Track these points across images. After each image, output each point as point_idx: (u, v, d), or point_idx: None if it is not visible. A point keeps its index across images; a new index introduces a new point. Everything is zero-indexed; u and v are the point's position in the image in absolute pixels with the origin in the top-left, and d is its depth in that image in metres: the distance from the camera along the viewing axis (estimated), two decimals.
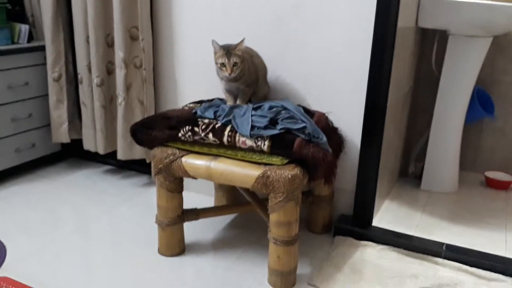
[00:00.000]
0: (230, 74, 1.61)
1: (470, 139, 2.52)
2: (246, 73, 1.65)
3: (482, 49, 2.11)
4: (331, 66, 1.81)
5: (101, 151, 2.29)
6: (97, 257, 1.69)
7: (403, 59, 1.97)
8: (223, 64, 1.61)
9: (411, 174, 2.49)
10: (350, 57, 1.77)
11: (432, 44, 2.33)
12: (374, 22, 1.66)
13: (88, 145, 2.35)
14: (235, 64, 1.60)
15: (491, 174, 2.43)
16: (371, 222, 1.87)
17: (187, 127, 1.56)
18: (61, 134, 2.36)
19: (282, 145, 1.46)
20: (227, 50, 1.60)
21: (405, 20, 1.85)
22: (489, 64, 2.38)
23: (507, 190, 2.37)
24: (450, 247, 1.72)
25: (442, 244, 1.74)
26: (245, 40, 1.63)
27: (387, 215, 2.01)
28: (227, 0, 1.92)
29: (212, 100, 1.81)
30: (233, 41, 1.92)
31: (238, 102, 1.70)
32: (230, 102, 1.71)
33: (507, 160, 2.49)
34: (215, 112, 1.61)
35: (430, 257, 1.70)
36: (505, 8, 1.96)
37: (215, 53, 1.64)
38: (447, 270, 1.65)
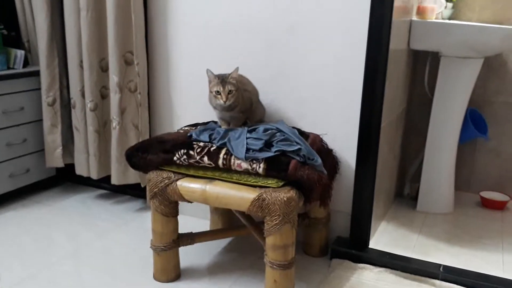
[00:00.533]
0: (225, 102, 1.61)
1: (465, 160, 2.53)
2: (241, 102, 1.66)
3: (474, 70, 2.14)
4: (325, 88, 1.83)
5: (94, 176, 2.28)
6: (91, 283, 1.67)
7: (396, 80, 1.99)
8: (218, 92, 1.61)
9: (406, 195, 2.48)
10: (344, 79, 1.79)
11: (425, 65, 2.36)
12: (366, 44, 1.68)
13: (80, 170, 2.33)
14: (230, 92, 1.61)
15: (487, 194, 2.43)
16: (368, 244, 1.86)
17: (182, 151, 1.56)
18: (55, 158, 2.35)
19: (277, 167, 1.46)
20: (222, 79, 1.62)
21: (397, 42, 1.87)
22: (481, 85, 2.40)
23: (503, 210, 2.37)
24: (447, 269, 1.71)
25: (439, 265, 1.73)
26: (238, 68, 1.65)
27: (384, 237, 2.01)
28: (222, 24, 1.94)
29: (207, 123, 1.81)
30: (228, 64, 1.94)
31: (231, 126, 1.70)
32: (224, 126, 1.71)
33: (502, 180, 2.50)
34: (210, 135, 1.62)
35: (427, 279, 1.69)
36: (496, 30, 2.00)
37: (210, 81, 1.65)
38: None
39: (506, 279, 1.67)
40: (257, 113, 1.80)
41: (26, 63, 2.35)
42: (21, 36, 2.40)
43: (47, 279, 1.68)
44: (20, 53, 2.29)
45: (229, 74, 1.63)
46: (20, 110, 2.25)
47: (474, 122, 2.32)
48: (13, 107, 2.22)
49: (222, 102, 1.61)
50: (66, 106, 2.35)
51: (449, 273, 1.68)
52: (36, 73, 2.28)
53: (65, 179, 2.59)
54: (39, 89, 2.29)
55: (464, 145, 2.47)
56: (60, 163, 2.35)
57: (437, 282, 1.67)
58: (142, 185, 2.23)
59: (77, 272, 1.74)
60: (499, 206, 2.38)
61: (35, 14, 2.22)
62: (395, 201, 2.44)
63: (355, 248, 1.82)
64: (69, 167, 2.42)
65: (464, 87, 2.16)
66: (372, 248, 1.85)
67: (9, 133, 2.23)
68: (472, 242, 2.01)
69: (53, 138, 2.32)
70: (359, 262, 1.79)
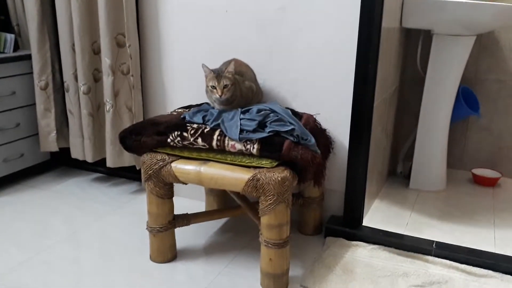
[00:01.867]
0: (220, 96, 1.61)
1: (457, 138, 2.55)
2: (239, 96, 1.66)
3: (466, 47, 2.14)
4: (318, 68, 1.83)
5: (89, 159, 2.28)
6: (88, 266, 1.69)
7: (388, 59, 1.99)
8: (213, 87, 1.62)
9: (399, 173, 2.51)
10: (336, 58, 1.79)
11: (417, 44, 2.36)
12: (358, 23, 1.67)
13: (76, 153, 2.34)
14: (225, 86, 1.61)
15: (478, 171, 2.46)
16: (362, 222, 1.88)
17: (176, 133, 1.57)
18: (49, 143, 2.35)
19: (271, 147, 1.47)
20: (218, 73, 1.62)
21: (389, 20, 1.87)
22: (473, 63, 2.41)
23: (494, 187, 2.40)
24: (440, 245, 1.74)
25: (432, 242, 1.76)
26: (234, 61, 1.65)
27: (377, 215, 2.03)
28: (214, 5, 1.93)
29: (200, 104, 1.81)
30: (220, 45, 1.94)
31: None
32: None
33: (493, 157, 2.52)
34: (203, 117, 1.62)
35: (420, 255, 1.72)
36: (488, 7, 1.99)
37: (206, 76, 1.65)
38: (438, 267, 1.66)
39: (498, 254, 1.71)
40: (258, 97, 1.81)
41: (16, 47, 2.33)
42: (10, 20, 2.37)
43: (44, 263, 1.70)
44: (10, 37, 2.26)
45: (225, 68, 1.63)
46: (11, 95, 2.24)
47: (466, 100, 2.34)
48: (4, 92, 2.21)
49: (218, 96, 1.61)
50: (59, 90, 2.34)
51: (441, 249, 1.71)
52: (27, 57, 2.27)
53: (60, 163, 2.59)
54: (31, 73, 2.27)
55: (456, 123, 2.48)
56: (54, 147, 2.35)
57: (430, 258, 1.70)
58: (137, 168, 2.24)
59: (74, 255, 1.75)
60: (490, 182, 2.41)
61: None
62: (388, 179, 2.46)
63: (349, 226, 1.85)
64: (64, 151, 2.42)
65: (456, 65, 2.17)
66: (365, 226, 1.88)
67: (2, 118, 2.22)
68: (464, 218, 2.04)
69: (47, 122, 2.32)
70: (353, 240, 1.81)
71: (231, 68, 1.62)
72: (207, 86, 1.65)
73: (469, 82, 2.44)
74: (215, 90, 1.62)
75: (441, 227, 1.95)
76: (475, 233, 1.91)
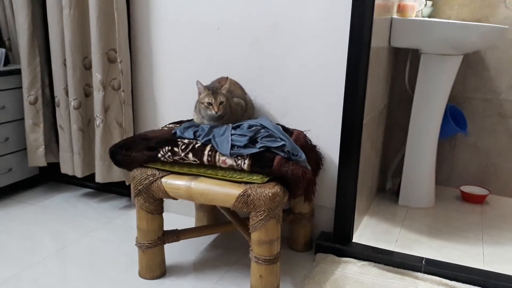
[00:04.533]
0: (216, 113, 1.62)
1: (445, 155, 2.58)
2: (228, 112, 1.68)
3: (453, 66, 2.18)
4: (308, 85, 1.85)
5: (79, 174, 2.27)
6: (76, 282, 1.66)
7: (377, 77, 2.02)
8: (209, 104, 1.62)
9: (388, 190, 2.52)
10: (326, 76, 1.81)
11: (405, 63, 2.40)
12: (348, 42, 1.70)
13: (65, 168, 2.32)
14: (221, 103, 1.62)
15: (466, 189, 2.48)
16: (351, 238, 1.89)
17: (166, 148, 1.57)
18: (38, 158, 2.33)
19: (262, 163, 1.47)
20: (213, 90, 1.63)
21: (378, 40, 1.90)
22: (460, 81, 2.45)
23: (482, 204, 2.42)
24: (429, 262, 1.74)
25: (422, 258, 1.76)
26: (228, 78, 1.67)
27: (367, 231, 2.04)
28: (206, 21, 1.95)
29: (191, 120, 1.82)
30: (212, 62, 1.95)
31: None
32: None
33: (481, 174, 2.55)
34: (194, 132, 1.62)
35: (410, 272, 1.72)
36: (475, 27, 2.04)
37: (200, 93, 1.66)
38: (428, 284, 1.66)
39: (487, 271, 1.72)
40: (249, 113, 1.83)
41: (7, 62, 2.32)
42: (1, 34, 2.37)
43: (31, 279, 1.67)
44: (0, 51, 2.26)
45: (221, 85, 1.65)
46: (1, 109, 2.23)
47: (454, 118, 2.37)
48: None
49: (214, 112, 1.62)
50: (48, 104, 2.33)
51: (431, 266, 1.72)
52: (18, 72, 2.26)
53: (49, 178, 2.57)
54: (21, 87, 2.27)
55: (444, 141, 2.52)
56: (42, 162, 2.34)
57: (420, 274, 1.71)
58: (127, 183, 2.23)
59: (62, 272, 1.73)
60: (478, 200, 2.43)
61: (16, 11, 2.20)
62: (378, 196, 2.47)
63: (339, 243, 1.85)
64: (53, 166, 2.40)
65: (444, 84, 2.20)
66: (355, 242, 1.88)
67: None
68: (453, 235, 2.06)
69: (35, 137, 2.30)
70: (343, 256, 1.81)
71: (227, 85, 1.64)
72: (201, 103, 1.65)
73: (456, 101, 2.48)
74: (211, 107, 1.63)
75: (430, 244, 1.96)
76: (464, 250, 1.92)
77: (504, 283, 1.62)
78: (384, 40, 2.05)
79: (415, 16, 2.24)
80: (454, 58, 2.16)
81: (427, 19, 2.28)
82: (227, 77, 1.71)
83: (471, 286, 1.64)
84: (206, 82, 1.72)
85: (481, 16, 2.37)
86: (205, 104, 1.63)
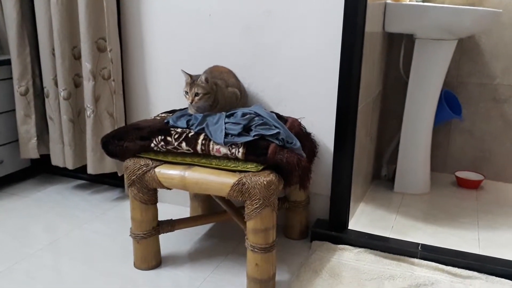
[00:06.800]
0: (191, 103, 1.63)
1: (440, 141, 2.57)
2: (222, 102, 1.67)
3: (448, 51, 2.16)
4: (302, 72, 1.83)
5: (70, 166, 2.24)
6: (70, 274, 1.65)
7: (371, 63, 2.00)
8: (186, 93, 1.64)
9: (384, 177, 2.52)
10: (320, 63, 1.79)
11: (399, 48, 2.38)
12: (342, 28, 1.68)
13: (56, 160, 2.29)
14: (196, 94, 1.61)
15: (462, 174, 2.48)
16: (347, 226, 1.88)
17: (159, 137, 1.55)
18: (30, 149, 2.30)
19: (256, 151, 1.45)
20: (193, 81, 1.62)
21: (372, 25, 1.88)
22: (455, 66, 2.44)
23: (477, 189, 2.42)
24: (425, 247, 1.74)
25: (418, 244, 1.76)
26: (209, 71, 1.67)
27: (363, 218, 2.03)
28: (198, 8, 1.92)
29: (184, 109, 1.79)
30: (204, 49, 1.93)
31: None
32: None
33: (476, 160, 2.55)
34: (187, 121, 1.60)
35: (406, 258, 1.72)
36: (469, 11, 2.02)
37: (185, 81, 1.66)
38: (424, 270, 1.66)
39: (483, 255, 1.72)
40: (243, 101, 1.81)
41: None
42: None
43: (24, 272, 1.65)
44: None
45: (214, 75, 1.64)
46: None
47: (449, 104, 2.36)
48: None
49: (189, 102, 1.63)
50: (39, 95, 2.30)
51: (427, 252, 1.71)
52: (7, 62, 2.23)
53: (41, 170, 2.54)
54: (10, 78, 2.23)
55: (439, 127, 2.51)
56: (35, 154, 2.31)
57: (416, 260, 1.70)
58: (119, 174, 2.21)
59: (56, 264, 1.71)
60: (474, 185, 2.43)
61: (3, 1, 2.15)
62: (373, 183, 2.47)
63: (335, 230, 1.84)
64: (45, 158, 2.38)
65: (438, 69, 2.19)
66: (351, 229, 1.87)
67: None
68: (449, 221, 2.05)
69: (27, 129, 2.27)
70: (339, 243, 1.81)
71: (202, 78, 1.62)
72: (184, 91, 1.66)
73: (451, 86, 2.47)
74: (187, 96, 1.63)
75: (426, 230, 1.96)
76: (460, 235, 1.92)
77: (500, 267, 1.62)
78: (378, 25, 2.03)
79: (409, 1, 2.22)
80: (448, 43, 2.14)
81: (421, 3, 2.25)
82: (213, 67, 1.68)
83: (467, 271, 1.64)
84: (198, 70, 1.69)
85: (475, 0, 2.35)
86: (184, 92, 1.64)
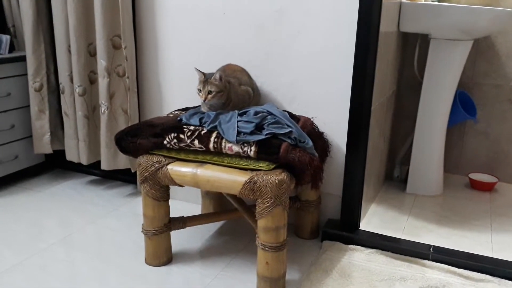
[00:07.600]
0: (204, 101, 1.63)
1: (454, 142, 2.55)
2: (235, 100, 1.67)
3: (463, 52, 2.14)
4: (315, 71, 1.82)
5: (84, 161, 2.26)
6: (83, 269, 1.67)
7: (386, 63, 1.99)
8: (199, 90, 1.64)
9: (396, 177, 2.50)
10: (334, 61, 1.79)
11: (414, 48, 2.36)
12: (356, 26, 1.67)
13: (70, 155, 2.32)
14: (209, 92, 1.61)
15: (475, 176, 2.46)
16: (359, 226, 1.87)
17: (172, 134, 1.55)
18: (43, 145, 2.33)
19: (268, 150, 1.45)
20: (206, 79, 1.63)
21: (387, 24, 1.86)
22: (470, 67, 2.42)
23: (491, 192, 2.40)
24: (437, 249, 1.73)
25: (430, 246, 1.75)
26: (223, 69, 1.67)
27: (374, 219, 2.02)
28: (211, 7, 1.92)
29: (197, 107, 1.80)
30: (217, 47, 1.93)
31: None
32: None
33: (490, 162, 2.52)
34: (200, 119, 1.61)
35: (418, 260, 1.71)
36: (485, 12, 2.00)
37: (198, 79, 1.66)
38: (435, 272, 1.65)
39: (495, 258, 1.70)
40: (256, 99, 1.81)
41: (12, 48, 2.31)
42: (6, 21, 2.36)
43: (38, 265, 1.68)
44: (5, 38, 2.25)
45: (228, 73, 1.64)
46: (7, 96, 2.22)
47: (463, 104, 2.34)
48: (0, 93, 2.19)
49: (202, 99, 1.64)
50: (53, 91, 2.32)
51: (439, 254, 1.70)
52: (23, 58, 2.25)
53: (55, 165, 2.57)
54: (26, 74, 2.26)
55: (453, 128, 2.49)
56: (48, 149, 2.33)
57: (427, 262, 1.69)
58: (132, 170, 2.22)
59: (69, 258, 1.73)
60: (487, 187, 2.41)
61: None
62: (385, 183, 2.45)
63: (346, 230, 1.84)
64: (59, 153, 2.40)
65: (453, 70, 2.17)
66: (362, 230, 1.87)
67: None
68: (462, 223, 2.04)
69: (41, 124, 2.30)
70: (350, 244, 1.80)
71: (216, 76, 1.62)
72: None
73: (466, 87, 2.45)
74: (200, 94, 1.63)
75: (438, 232, 1.94)
76: (473, 238, 1.90)
77: None
78: (393, 25, 2.01)
79: (425, 0, 2.20)
80: (464, 43, 2.12)
81: (436, 3, 2.23)
82: (226, 65, 1.69)
83: (479, 273, 1.63)
84: (211, 69, 1.70)
85: (492, 0, 2.33)
86: (197, 90, 1.64)
